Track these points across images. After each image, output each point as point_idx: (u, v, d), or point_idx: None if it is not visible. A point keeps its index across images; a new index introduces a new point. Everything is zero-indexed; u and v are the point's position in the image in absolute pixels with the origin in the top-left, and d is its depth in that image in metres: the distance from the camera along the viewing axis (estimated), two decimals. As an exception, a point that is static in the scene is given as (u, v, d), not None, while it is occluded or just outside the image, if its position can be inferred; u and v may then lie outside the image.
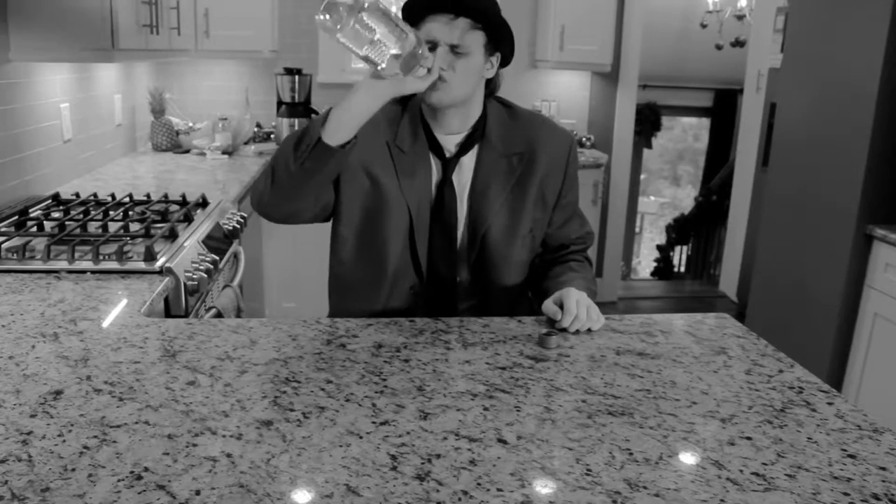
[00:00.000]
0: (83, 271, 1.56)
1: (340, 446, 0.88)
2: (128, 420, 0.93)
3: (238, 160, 3.32)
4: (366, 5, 1.10)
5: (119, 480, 0.80)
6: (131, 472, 0.81)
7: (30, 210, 1.97)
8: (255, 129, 3.77)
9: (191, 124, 3.61)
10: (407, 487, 0.80)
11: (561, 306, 1.30)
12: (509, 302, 1.50)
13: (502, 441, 0.91)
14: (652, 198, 8.75)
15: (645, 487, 0.81)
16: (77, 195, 2.19)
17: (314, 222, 1.44)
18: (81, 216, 1.94)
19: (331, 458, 0.85)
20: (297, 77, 3.56)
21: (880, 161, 2.51)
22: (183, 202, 2.19)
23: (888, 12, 2.39)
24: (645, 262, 8.15)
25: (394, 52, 1.15)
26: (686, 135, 8.31)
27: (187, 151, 3.44)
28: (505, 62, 1.42)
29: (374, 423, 0.94)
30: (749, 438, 0.94)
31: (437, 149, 1.42)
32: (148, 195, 2.27)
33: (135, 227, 1.87)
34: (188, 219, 1.99)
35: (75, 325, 1.26)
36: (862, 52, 2.53)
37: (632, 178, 4.68)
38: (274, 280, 3.53)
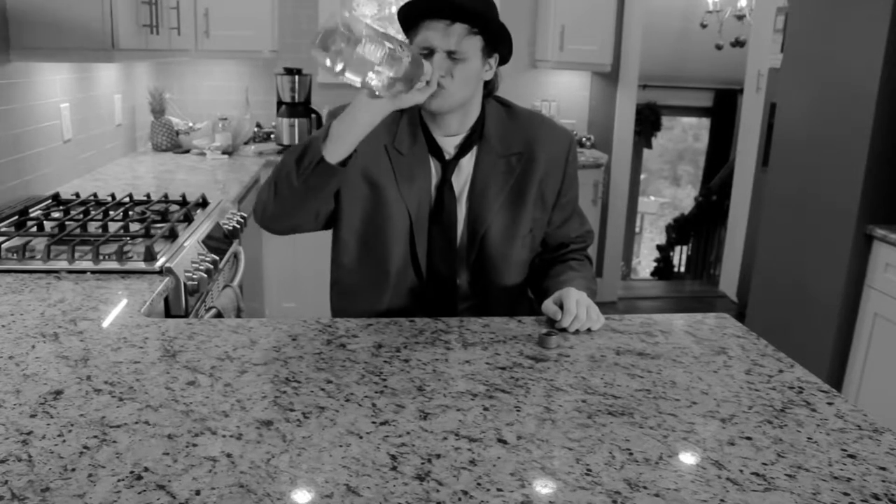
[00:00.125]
0: (83, 271, 1.56)
1: (340, 446, 0.88)
2: (128, 420, 0.93)
3: (238, 160, 3.32)
4: (363, 36, 1.09)
5: (119, 480, 0.80)
6: (131, 472, 0.81)
7: (30, 210, 1.97)
8: (255, 129, 3.77)
9: (191, 124, 3.61)
10: (407, 487, 0.80)
11: (561, 306, 1.30)
12: (509, 302, 1.50)
13: (502, 441, 0.91)
14: (652, 198, 8.75)
15: (645, 487, 0.81)
16: (77, 195, 2.19)
17: (315, 231, 1.45)
18: (81, 216, 1.94)
19: (331, 458, 0.85)
20: (297, 77, 3.57)
21: (880, 161, 2.51)
22: (183, 202, 2.19)
23: (888, 12, 2.39)
24: (645, 262, 8.15)
25: (392, 75, 1.15)
26: (686, 135, 8.31)
27: (187, 151, 3.44)
28: (503, 61, 1.41)
29: (374, 423, 0.94)
30: (749, 438, 0.94)
31: (436, 150, 1.42)
32: (148, 195, 2.27)
33: (135, 227, 1.87)
34: (188, 219, 1.99)
35: (75, 325, 1.26)
36: (862, 52, 2.53)
37: (632, 178, 4.68)
38: (274, 280, 3.53)
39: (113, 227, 1.86)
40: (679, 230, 6.98)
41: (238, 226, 2.20)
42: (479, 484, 0.81)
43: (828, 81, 2.76)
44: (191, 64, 3.78)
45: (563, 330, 1.28)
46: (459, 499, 0.78)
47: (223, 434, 0.90)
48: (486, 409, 0.99)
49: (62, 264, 1.57)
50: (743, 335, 1.32)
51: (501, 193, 1.43)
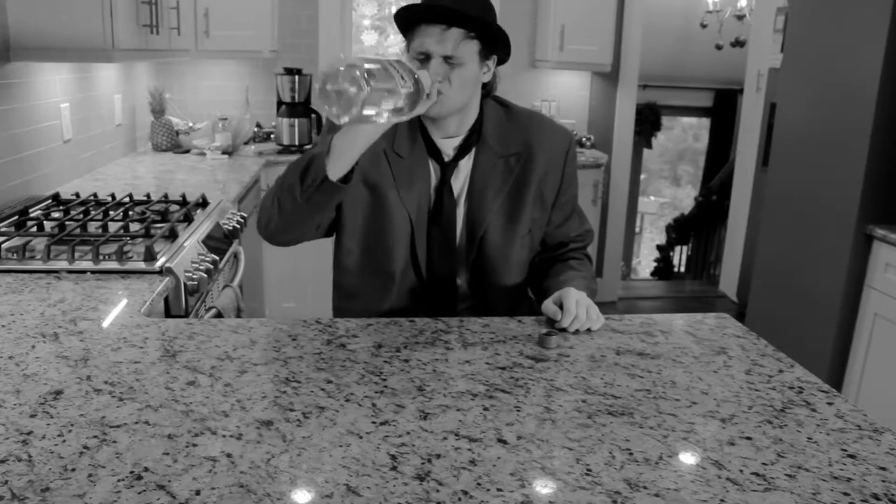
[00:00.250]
0: (83, 271, 1.56)
1: (340, 446, 0.88)
2: (128, 420, 0.93)
3: (238, 160, 3.32)
4: (364, 90, 1.08)
5: (119, 480, 0.80)
6: (131, 472, 0.81)
7: (30, 210, 1.97)
8: (255, 129, 3.77)
9: (191, 124, 3.61)
10: (407, 487, 0.80)
11: (561, 306, 1.30)
12: (509, 302, 1.50)
13: (502, 441, 0.91)
14: (652, 198, 8.74)
15: (645, 487, 0.81)
16: (77, 195, 2.19)
17: (317, 239, 1.45)
18: (81, 216, 1.94)
19: (331, 458, 0.85)
20: (297, 77, 3.57)
21: (880, 161, 2.51)
22: (183, 202, 2.19)
23: (888, 12, 2.39)
24: (645, 262, 8.15)
25: (396, 107, 1.15)
26: (686, 135, 8.31)
27: (187, 151, 3.44)
28: (501, 62, 1.41)
29: (374, 423, 0.94)
30: (749, 438, 0.94)
31: (434, 153, 1.42)
32: (148, 195, 2.27)
33: (135, 227, 1.87)
34: (188, 219, 1.99)
35: (75, 325, 1.26)
36: (862, 52, 2.53)
37: (632, 178, 4.68)
38: (274, 280, 3.53)
39: (113, 227, 1.86)
40: (679, 230, 6.98)
41: (238, 226, 2.20)
42: (479, 484, 0.81)
43: (828, 81, 2.76)
44: (191, 64, 3.78)
45: (563, 330, 1.28)
46: (459, 499, 0.78)
47: (223, 434, 0.90)
48: (486, 409, 0.99)
49: (62, 264, 1.57)
50: (743, 335, 1.32)
51: (500, 194, 1.43)
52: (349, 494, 0.78)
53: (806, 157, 2.89)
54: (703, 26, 5.76)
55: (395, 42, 4.12)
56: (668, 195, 8.77)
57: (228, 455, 0.85)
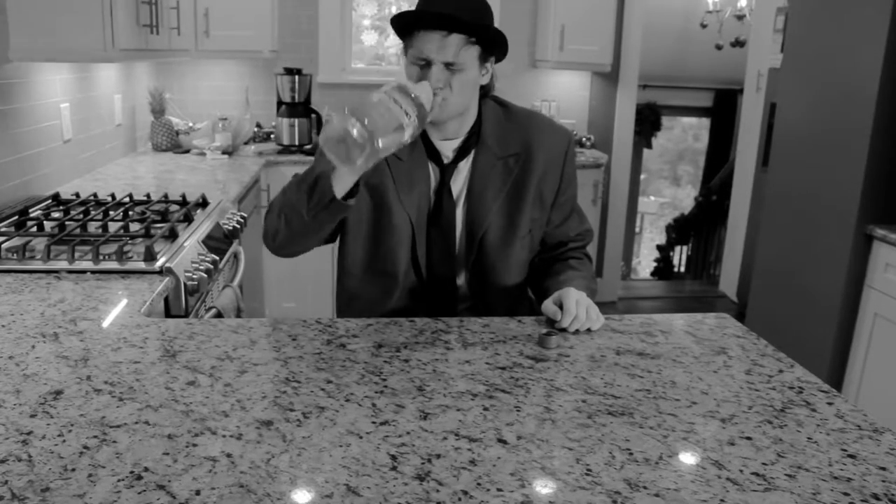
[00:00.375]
0: (83, 271, 1.56)
1: (340, 446, 0.88)
2: (128, 420, 0.93)
3: (238, 160, 3.32)
4: (378, 145, 1.11)
5: (119, 480, 0.80)
6: (131, 472, 0.81)
7: (30, 210, 1.97)
8: (255, 129, 3.77)
9: (191, 124, 3.61)
10: (407, 487, 0.80)
11: (561, 306, 1.30)
12: (509, 302, 1.50)
13: (502, 441, 0.91)
14: (652, 198, 8.74)
15: (645, 487, 0.81)
16: (77, 195, 2.19)
17: (320, 246, 1.46)
18: (81, 216, 1.94)
19: (331, 458, 0.85)
20: (297, 77, 3.57)
21: (880, 161, 2.51)
22: (183, 202, 2.19)
23: (888, 12, 2.39)
24: (645, 262, 8.15)
25: (406, 138, 1.17)
26: (686, 135, 8.31)
27: (187, 151, 3.44)
28: (497, 61, 1.40)
29: (374, 423, 0.94)
30: (749, 438, 0.94)
31: (434, 155, 1.42)
32: (148, 195, 2.27)
33: (135, 227, 1.87)
34: (188, 219, 1.99)
35: (75, 325, 1.26)
36: (862, 52, 2.53)
37: (632, 178, 4.68)
38: (274, 280, 3.53)
39: (113, 227, 1.86)
40: (679, 230, 6.98)
41: (238, 226, 2.20)
42: (479, 484, 0.81)
43: (828, 81, 2.76)
44: (191, 64, 3.78)
45: (563, 330, 1.28)
46: (459, 499, 0.78)
47: (223, 434, 0.90)
48: (486, 409, 0.99)
49: (62, 264, 1.57)
50: (743, 335, 1.32)
51: (499, 195, 1.43)
52: (349, 494, 0.78)
53: (806, 157, 2.89)
54: (703, 26, 5.77)
55: (394, 42, 4.12)
56: (668, 195, 8.78)
57: (228, 455, 0.85)
